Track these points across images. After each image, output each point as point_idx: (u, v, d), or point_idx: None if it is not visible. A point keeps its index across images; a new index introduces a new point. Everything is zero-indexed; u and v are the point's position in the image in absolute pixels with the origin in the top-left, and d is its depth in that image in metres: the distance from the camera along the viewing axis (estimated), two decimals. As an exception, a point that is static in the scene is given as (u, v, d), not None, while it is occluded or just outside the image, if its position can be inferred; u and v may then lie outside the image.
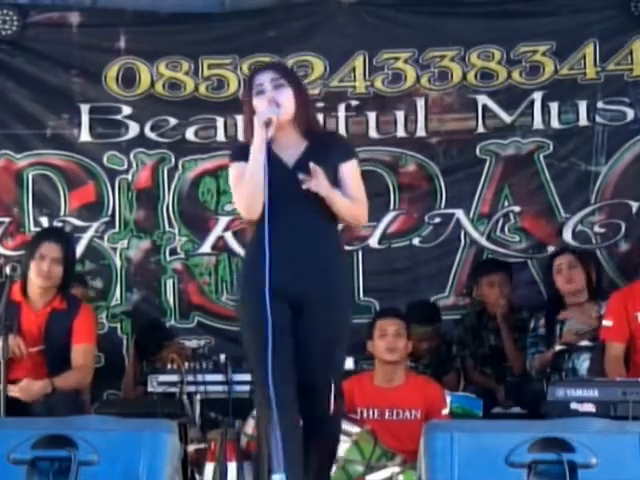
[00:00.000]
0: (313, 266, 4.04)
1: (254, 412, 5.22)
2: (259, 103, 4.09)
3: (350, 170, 4.13)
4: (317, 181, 3.99)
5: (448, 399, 5.43)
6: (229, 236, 6.66)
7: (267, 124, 4.00)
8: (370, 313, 6.54)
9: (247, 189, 4.05)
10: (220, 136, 6.67)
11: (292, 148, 4.12)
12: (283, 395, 3.89)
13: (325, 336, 4.01)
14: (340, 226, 4.34)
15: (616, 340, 5.36)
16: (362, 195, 4.16)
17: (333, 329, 4.05)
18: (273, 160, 4.06)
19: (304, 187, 3.99)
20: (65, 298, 5.56)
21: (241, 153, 4.17)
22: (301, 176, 4.00)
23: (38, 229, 6.58)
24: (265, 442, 3.95)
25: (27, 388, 5.25)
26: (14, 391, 5.17)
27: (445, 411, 5.34)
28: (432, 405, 5.36)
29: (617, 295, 5.57)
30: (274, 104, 4.06)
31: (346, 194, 4.09)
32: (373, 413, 5.37)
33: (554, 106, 6.58)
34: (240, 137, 6.36)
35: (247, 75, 4.36)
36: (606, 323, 5.42)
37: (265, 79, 4.12)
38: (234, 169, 4.19)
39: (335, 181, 4.07)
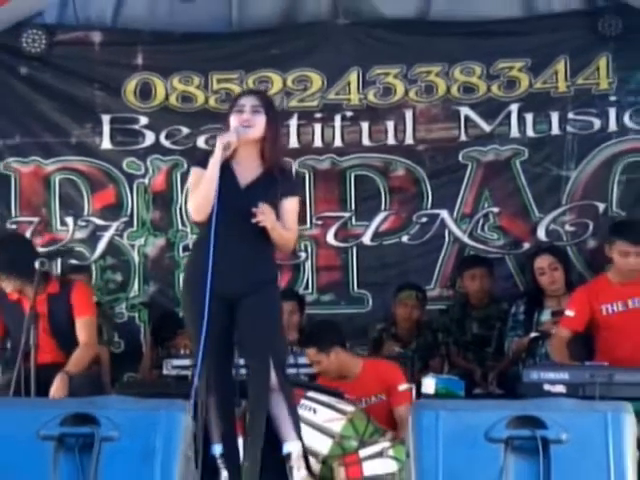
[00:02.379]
0: (250, 273, 4.15)
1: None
2: (233, 120, 4.20)
3: (291, 206, 4.28)
4: (265, 216, 4.11)
5: (433, 381, 5.41)
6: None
7: (225, 147, 4.13)
8: (363, 304, 6.59)
9: (199, 195, 4.19)
10: (228, 144, 6.69)
11: (249, 170, 4.23)
12: (222, 382, 4.12)
13: (265, 316, 4.14)
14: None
15: (570, 328, 5.35)
16: (295, 228, 4.33)
17: (271, 313, 4.20)
18: (229, 177, 4.19)
19: (253, 221, 4.10)
20: (57, 282, 5.49)
21: (202, 160, 4.29)
22: (254, 209, 4.10)
23: (64, 228, 6.60)
24: (204, 419, 4.13)
25: (74, 367, 5.19)
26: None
27: (402, 386, 5.29)
28: (390, 384, 5.30)
29: (582, 289, 5.55)
30: (245, 124, 4.18)
31: (283, 225, 4.22)
32: (366, 398, 5.33)
33: (529, 117, 6.59)
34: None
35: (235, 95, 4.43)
36: (568, 313, 5.40)
37: (247, 102, 4.24)
38: (193, 174, 4.32)
39: (275, 209, 4.19)
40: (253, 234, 4.16)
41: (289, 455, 4.05)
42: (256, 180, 4.22)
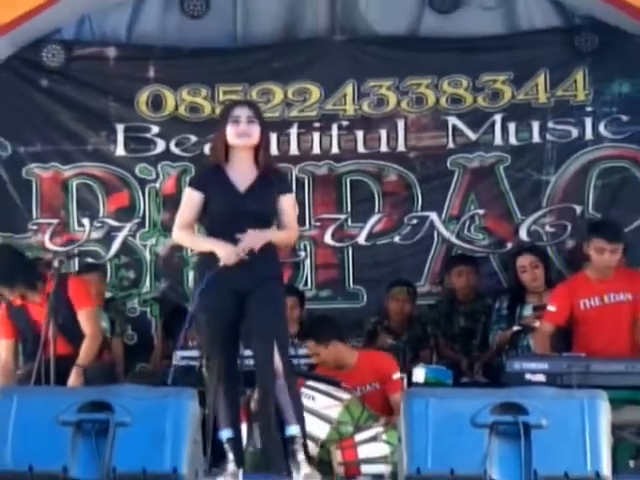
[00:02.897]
0: (256, 270, 4.12)
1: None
2: (230, 129, 4.19)
3: (288, 202, 4.28)
4: (254, 241, 4.11)
5: (423, 371, 5.41)
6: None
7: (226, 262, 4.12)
8: (358, 299, 6.59)
9: (185, 243, 4.62)
10: (233, 151, 6.69)
11: (245, 175, 4.22)
12: (229, 371, 4.11)
13: (271, 310, 4.12)
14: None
15: (553, 322, 5.34)
16: (295, 224, 4.33)
17: (275, 307, 4.16)
18: (225, 183, 4.20)
19: (244, 254, 4.09)
20: (51, 281, 5.31)
21: (198, 182, 4.32)
22: (241, 244, 4.09)
23: (81, 229, 6.59)
24: (213, 406, 4.13)
25: (84, 359, 5.21)
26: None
27: (396, 375, 5.29)
28: (384, 374, 5.30)
29: (562, 285, 5.55)
30: (244, 135, 4.18)
31: (283, 222, 4.24)
32: (361, 386, 5.31)
33: (512, 126, 6.59)
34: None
35: (225, 105, 4.43)
36: (550, 308, 5.39)
37: (242, 113, 4.23)
38: (188, 195, 4.31)
39: (275, 207, 4.22)
40: None
41: (291, 438, 4.04)
42: (253, 183, 4.21)
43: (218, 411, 4.14)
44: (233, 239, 4.12)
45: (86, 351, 5.26)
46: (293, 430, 4.04)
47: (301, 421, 4.12)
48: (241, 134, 4.19)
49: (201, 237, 4.30)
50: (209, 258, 4.17)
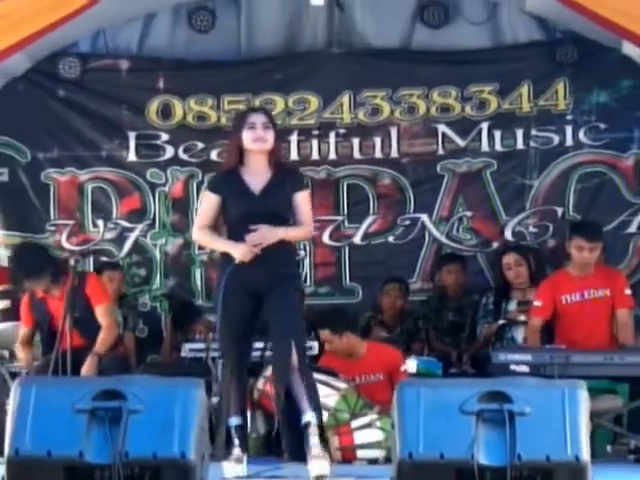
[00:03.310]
0: (273, 268, 4.11)
1: (265, 372, 5.24)
2: (248, 135, 4.17)
3: (303, 198, 4.24)
4: (264, 236, 4.08)
5: (415, 362, 5.41)
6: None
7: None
8: (354, 295, 6.59)
9: (204, 243, 4.53)
10: (237, 157, 6.69)
11: (259, 176, 4.20)
12: (241, 364, 4.13)
13: (288, 308, 4.11)
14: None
15: (540, 316, 5.36)
16: (311, 220, 4.29)
17: (291, 304, 4.15)
18: (240, 186, 4.18)
19: (259, 249, 4.07)
20: (72, 277, 5.33)
21: (216, 186, 4.29)
22: (252, 242, 4.07)
23: (96, 229, 6.59)
24: (225, 394, 4.15)
25: (101, 347, 5.27)
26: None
27: (403, 367, 5.28)
28: (392, 365, 5.32)
29: (546, 281, 5.56)
30: (262, 141, 4.16)
31: (299, 219, 4.20)
32: (357, 377, 5.34)
33: (497, 133, 6.59)
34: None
35: (239, 111, 4.40)
36: (536, 303, 5.41)
37: (258, 120, 4.20)
38: (206, 198, 4.32)
39: (290, 205, 4.18)
40: None
41: (307, 424, 4.03)
42: (267, 185, 4.18)
43: (229, 400, 4.14)
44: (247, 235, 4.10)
45: (103, 341, 5.30)
46: (307, 417, 4.03)
47: (317, 409, 4.10)
48: (257, 139, 4.16)
49: (218, 238, 4.25)
50: (229, 257, 4.15)
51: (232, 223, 4.20)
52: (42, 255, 5.59)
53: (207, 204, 4.26)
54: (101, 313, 5.37)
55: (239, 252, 4.07)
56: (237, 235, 4.13)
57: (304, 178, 4.42)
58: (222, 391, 4.16)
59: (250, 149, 4.19)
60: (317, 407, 4.11)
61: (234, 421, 4.13)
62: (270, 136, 4.18)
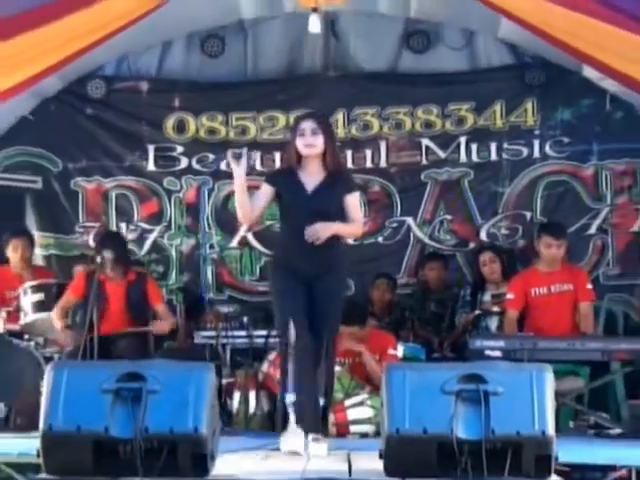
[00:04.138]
0: (322, 260, 4.07)
1: (269, 356, 5.24)
2: (299, 141, 4.12)
3: (353, 200, 4.18)
4: (320, 234, 4.03)
5: (401, 348, 5.41)
6: (250, 236, 6.65)
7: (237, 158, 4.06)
8: (349, 290, 6.53)
9: (236, 205, 4.23)
10: (244, 167, 6.68)
11: (314, 176, 4.15)
12: (299, 339, 3.96)
13: (330, 300, 4.06)
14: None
15: (514, 308, 5.36)
16: (360, 218, 4.25)
17: (334, 295, 4.10)
18: (297, 184, 4.13)
19: (317, 242, 4.01)
20: (134, 273, 5.54)
21: (272, 179, 4.25)
22: (310, 237, 4.02)
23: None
24: (283, 372, 4.05)
25: (160, 328, 5.41)
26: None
27: (391, 351, 5.26)
28: (383, 347, 5.29)
29: (518, 277, 5.56)
30: (309, 146, 4.09)
31: (349, 217, 4.14)
32: (349, 359, 5.33)
33: (474, 146, 6.57)
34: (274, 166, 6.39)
35: (293, 121, 4.33)
36: (509, 296, 5.42)
37: (307, 126, 4.13)
38: (262, 187, 4.24)
39: (341, 206, 4.12)
40: None
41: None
42: (320, 185, 4.13)
43: (286, 378, 4.03)
44: (302, 232, 4.03)
45: (163, 327, 5.42)
46: (321, 401, 4.03)
47: (327, 395, 4.09)
48: (307, 145, 4.10)
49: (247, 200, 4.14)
50: (276, 257, 4.13)
51: (285, 215, 4.14)
52: (125, 246, 5.75)
53: (261, 192, 4.18)
54: (164, 311, 5.51)
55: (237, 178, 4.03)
56: (289, 228, 4.06)
57: (353, 180, 4.31)
58: (280, 369, 4.06)
59: (302, 154, 4.13)
60: (328, 392, 4.09)
61: (290, 398, 3.99)
62: (318, 141, 4.09)
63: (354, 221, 4.16)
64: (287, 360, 4.00)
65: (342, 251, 4.26)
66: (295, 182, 4.12)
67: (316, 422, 4.01)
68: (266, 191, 4.18)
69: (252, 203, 4.17)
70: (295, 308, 4.00)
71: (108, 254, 5.34)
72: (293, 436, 3.91)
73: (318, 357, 4.02)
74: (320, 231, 4.03)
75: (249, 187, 4.19)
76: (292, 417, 3.97)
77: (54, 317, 5.34)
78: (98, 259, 5.28)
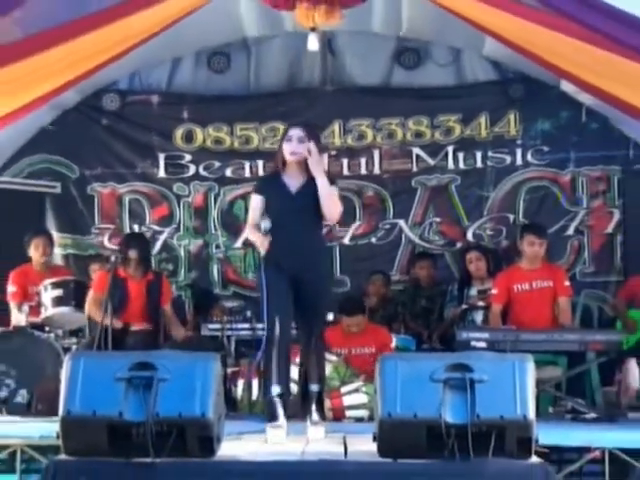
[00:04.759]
0: (307, 255, 4.04)
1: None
2: (285, 147, 4.10)
3: (332, 190, 4.09)
4: (313, 159, 3.96)
5: (394, 339, 5.41)
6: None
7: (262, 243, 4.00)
8: (344, 285, 6.58)
9: (249, 236, 4.21)
10: (247, 174, 6.65)
11: (296, 179, 4.12)
12: (282, 336, 3.94)
13: (316, 294, 4.03)
14: (324, 230, 4.32)
15: (498, 302, 5.35)
16: (339, 204, 4.11)
17: (321, 289, 4.07)
18: (281, 186, 4.11)
19: (307, 158, 3.94)
20: (152, 273, 5.56)
21: (259, 188, 4.21)
22: (306, 152, 3.97)
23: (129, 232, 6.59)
24: (268, 365, 3.99)
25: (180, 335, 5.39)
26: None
27: (391, 345, 5.30)
28: (382, 342, 5.30)
29: (502, 274, 5.55)
30: (295, 154, 4.04)
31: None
32: (345, 350, 5.33)
33: (461, 155, 6.58)
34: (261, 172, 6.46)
35: (284, 129, 4.25)
36: (493, 291, 5.41)
37: (294, 134, 4.09)
38: (252, 200, 4.22)
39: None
40: (307, 226, 4.06)
41: (312, 393, 4.01)
42: (302, 186, 4.09)
43: (271, 372, 3.96)
44: (287, 229, 4.00)
45: (181, 333, 5.44)
46: (313, 387, 4.02)
47: (321, 382, 4.05)
48: (292, 153, 4.06)
49: (255, 233, 4.09)
50: (264, 254, 4.06)
51: (273, 216, 4.10)
52: (149, 246, 5.81)
53: (254, 204, 4.17)
54: (171, 313, 5.49)
55: (261, 244, 3.99)
56: (276, 226, 4.02)
57: (333, 180, 4.20)
58: (266, 363, 3.99)
59: (287, 159, 4.10)
60: (322, 379, 4.07)
61: (275, 390, 3.94)
62: (303, 149, 4.04)
63: (332, 195, 4.06)
64: (272, 354, 3.95)
65: (326, 248, 4.26)
66: (280, 185, 4.12)
67: (295, 406, 4.02)
68: (257, 201, 4.17)
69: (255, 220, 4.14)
70: (281, 308, 3.96)
71: (133, 254, 5.35)
72: (279, 427, 3.84)
73: (308, 348, 4.00)
74: (314, 158, 3.96)
75: (247, 193, 4.17)
76: (279, 408, 3.91)
77: (91, 314, 5.31)
78: (113, 258, 5.26)
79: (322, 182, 4.01)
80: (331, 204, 4.05)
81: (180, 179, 6.67)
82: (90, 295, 5.37)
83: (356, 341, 5.33)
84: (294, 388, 4.28)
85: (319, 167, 4.02)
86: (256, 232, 4.08)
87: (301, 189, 4.10)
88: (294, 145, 4.07)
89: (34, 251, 5.76)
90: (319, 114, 6.55)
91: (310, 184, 4.08)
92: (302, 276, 4.00)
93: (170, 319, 5.48)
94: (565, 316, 5.26)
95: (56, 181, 6.62)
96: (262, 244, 3.99)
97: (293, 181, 4.12)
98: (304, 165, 4.09)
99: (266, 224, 3.99)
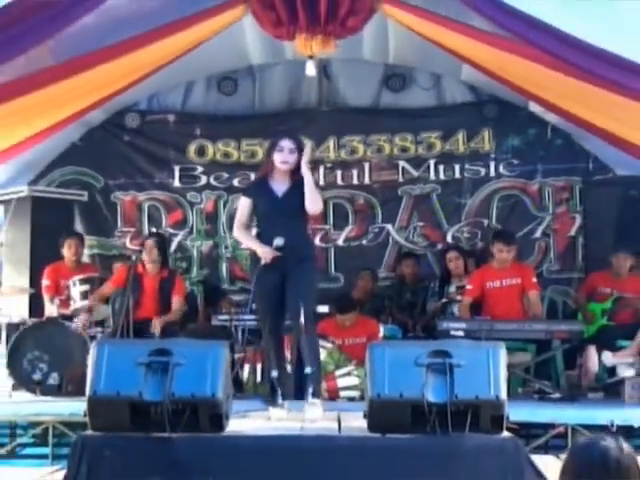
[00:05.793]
0: (294, 251, 3.99)
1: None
2: (276, 156, 4.06)
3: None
4: (305, 159, 3.96)
5: (382, 328, 5.40)
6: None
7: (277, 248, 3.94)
8: (338, 282, 6.57)
9: (241, 240, 4.23)
10: (253, 184, 6.70)
11: (282, 184, 4.10)
12: (275, 329, 3.98)
13: (304, 285, 3.98)
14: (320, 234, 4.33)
15: (471, 296, 5.34)
16: (319, 194, 4.06)
17: (308, 281, 4.02)
18: (268, 191, 4.07)
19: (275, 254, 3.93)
20: (167, 270, 5.53)
21: (248, 192, 4.19)
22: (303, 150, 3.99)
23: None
24: (266, 353, 4.04)
25: (155, 326, 5.20)
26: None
27: (379, 334, 5.30)
28: (371, 332, 5.30)
29: (476, 272, 5.56)
30: (285, 164, 4.03)
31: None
32: (339, 341, 5.31)
33: (441, 167, 6.57)
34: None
35: (273, 138, 4.21)
36: (468, 286, 5.40)
37: (285, 145, 4.06)
38: (241, 202, 4.17)
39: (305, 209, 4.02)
40: (293, 226, 4.02)
41: (305, 375, 3.97)
42: (287, 190, 4.06)
43: (270, 358, 4.00)
44: (276, 229, 3.96)
45: (174, 314, 5.35)
46: (307, 370, 3.98)
47: (315, 364, 3.97)
48: (283, 162, 4.02)
49: (250, 238, 4.08)
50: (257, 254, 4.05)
51: (261, 218, 4.08)
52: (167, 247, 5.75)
53: (242, 207, 4.12)
54: (176, 302, 5.41)
55: (263, 253, 3.96)
56: (266, 227, 4.00)
57: (318, 186, 4.20)
58: (264, 351, 3.99)
59: (277, 168, 4.06)
60: (315, 363, 4.03)
61: (274, 373, 3.97)
62: (294, 159, 4.01)
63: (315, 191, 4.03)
64: (268, 344, 4.00)
65: (310, 243, 4.27)
66: (267, 190, 4.08)
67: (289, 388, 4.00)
68: (246, 203, 4.13)
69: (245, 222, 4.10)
70: (272, 307, 3.96)
71: (150, 243, 5.37)
72: (280, 406, 3.87)
73: (299, 333, 3.95)
74: (305, 159, 3.94)
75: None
76: (278, 389, 3.93)
77: (97, 299, 5.32)
78: (134, 257, 5.24)
79: (308, 178, 4.00)
80: (314, 197, 4.03)
81: (193, 188, 6.67)
82: (105, 284, 5.38)
83: (349, 332, 5.33)
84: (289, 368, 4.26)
85: (308, 165, 4.01)
86: (254, 239, 4.05)
87: (287, 193, 4.07)
88: (285, 155, 4.04)
89: (67, 250, 5.77)
90: (316, 131, 6.54)
91: (294, 188, 4.05)
92: (292, 271, 3.97)
93: (175, 305, 5.40)
94: (536, 309, 5.25)
95: (83, 190, 6.60)
96: (265, 256, 3.95)
97: (279, 186, 4.09)
98: (289, 172, 4.07)
99: (279, 241, 3.95)
